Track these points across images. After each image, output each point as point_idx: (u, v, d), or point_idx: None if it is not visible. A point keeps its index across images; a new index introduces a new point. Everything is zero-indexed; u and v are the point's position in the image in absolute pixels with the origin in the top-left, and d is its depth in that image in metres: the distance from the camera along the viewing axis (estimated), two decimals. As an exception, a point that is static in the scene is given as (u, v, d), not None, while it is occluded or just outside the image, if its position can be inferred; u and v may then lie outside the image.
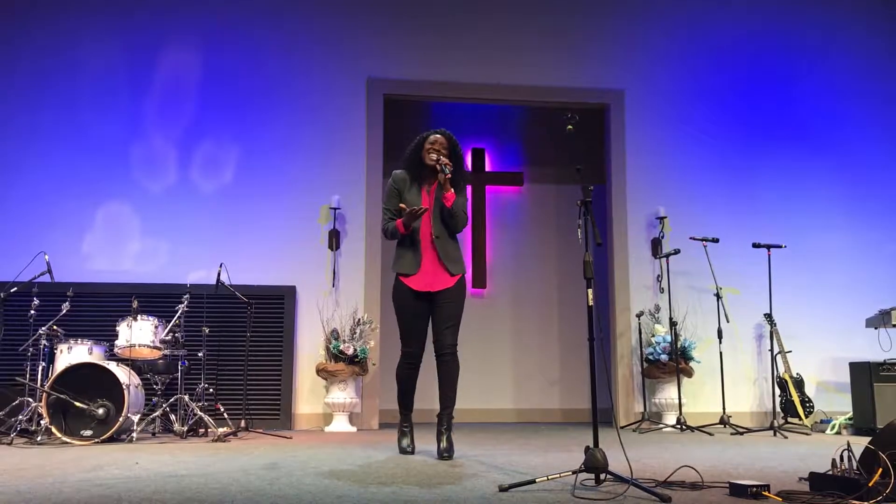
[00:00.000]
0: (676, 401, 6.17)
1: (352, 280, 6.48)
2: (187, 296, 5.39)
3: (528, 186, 8.03)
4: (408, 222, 4.06)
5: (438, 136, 4.17)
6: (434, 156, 4.10)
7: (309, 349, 6.30)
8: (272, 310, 6.30)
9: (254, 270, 6.32)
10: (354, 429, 6.02)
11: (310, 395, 6.27)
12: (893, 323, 6.10)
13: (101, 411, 4.76)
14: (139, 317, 5.19)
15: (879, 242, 7.04)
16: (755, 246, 6.29)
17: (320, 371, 6.00)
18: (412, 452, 4.14)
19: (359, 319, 6.14)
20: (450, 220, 4.16)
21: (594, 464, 2.88)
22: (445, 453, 3.95)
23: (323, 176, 6.59)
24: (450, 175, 4.06)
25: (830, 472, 2.75)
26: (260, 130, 6.62)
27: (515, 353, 7.75)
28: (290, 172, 6.59)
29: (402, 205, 4.14)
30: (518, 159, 8.10)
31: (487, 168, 8.00)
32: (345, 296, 6.42)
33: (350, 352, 5.91)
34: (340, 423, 5.97)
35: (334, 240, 6.47)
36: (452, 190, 4.10)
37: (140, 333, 5.16)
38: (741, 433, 5.70)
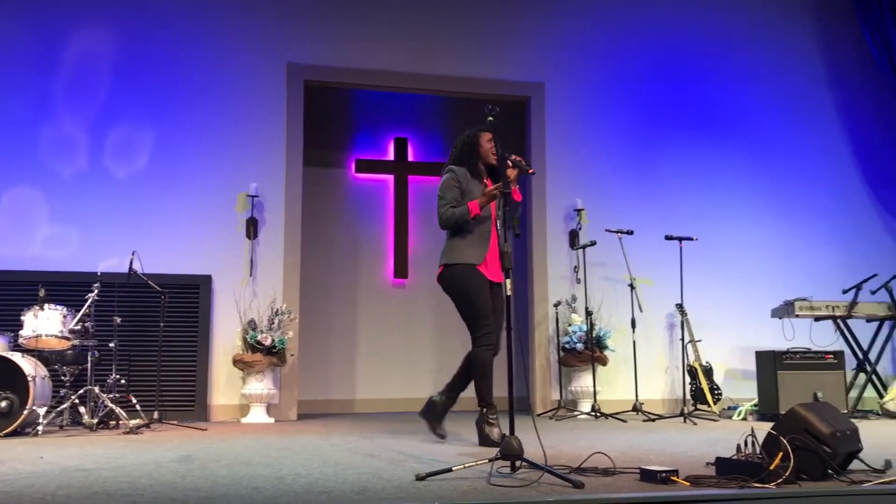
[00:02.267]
0: (592, 389, 6.31)
1: (270, 269, 6.38)
2: (98, 284, 5.21)
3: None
4: (486, 202, 4.16)
5: (488, 132, 4.36)
6: (494, 152, 4.30)
7: (225, 340, 6.18)
8: (187, 299, 6.15)
9: (168, 259, 6.16)
10: (272, 420, 5.94)
11: (226, 386, 6.16)
12: (797, 313, 6.37)
13: (3, 404, 4.58)
14: (46, 306, 5.00)
15: (785, 236, 7.33)
16: (668, 238, 6.47)
17: (237, 362, 5.90)
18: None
19: (277, 310, 6.06)
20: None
21: (510, 451, 2.92)
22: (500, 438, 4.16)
23: (241, 163, 6.47)
24: (533, 171, 4.23)
25: (735, 457, 2.86)
26: (176, 116, 6.45)
27: (437, 342, 7.77)
28: (207, 159, 6.43)
29: (486, 180, 4.31)
30: (441, 149, 8.10)
31: (410, 158, 7.99)
32: (262, 285, 6.32)
33: (268, 342, 5.83)
34: (258, 415, 5.89)
35: (252, 228, 6.36)
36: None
37: (47, 323, 4.98)
38: (653, 420, 5.86)
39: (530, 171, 4.21)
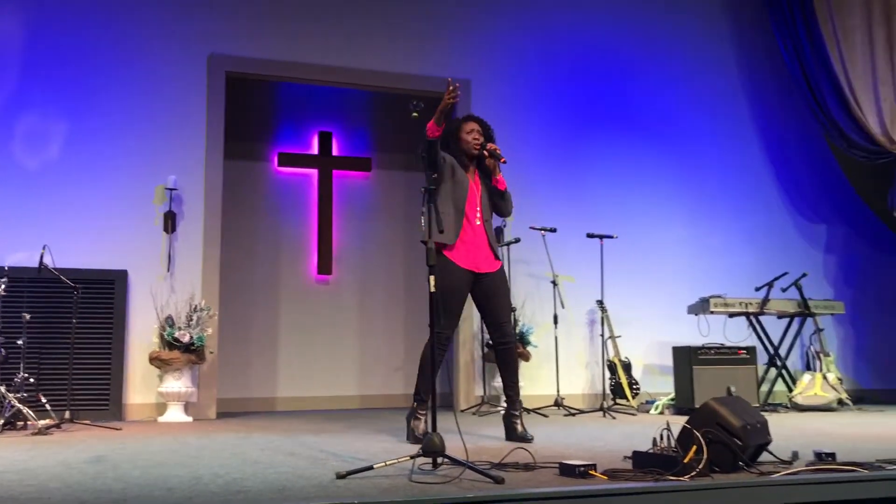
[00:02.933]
0: (514, 385, 6.36)
1: (189, 265, 6.22)
2: (5, 279, 5.00)
3: (376, 172, 8.01)
4: (439, 118, 4.01)
5: (473, 122, 4.36)
6: (477, 142, 4.28)
7: (142, 337, 6.00)
8: (101, 295, 5.95)
9: (82, 253, 5.95)
10: (190, 419, 5.81)
11: (142, 384, 5.99)
12: (712, 310, 6.57)
13: None
14: (-52, 302, 4.78)
15: (702, 235, 7.54)
16: (589, 236, 6.60)
17: (153, 359, 5.74)
18: None
19: (196, 306, 5.92)
20: (502, 203, 4.39)
21: (431, 448, 2.92)
22: (528, 435, 4.11)
23: (159, 155, 6.28)
24: (504, 160, 4.26)
25: (651, 451, 2.93)
26: (91, 106, 6.21)
27: (361, 339, 7.72)
28: (123, 150, 6.23)
29: (475, 171, 4.34)
30: (366, 145, 8.05)
31: (335, 152, 7.91)
32: (181, 281, 6.16)
33: (186, 339, 5.69)
34: (175, 414, 5.74)
35: (170, 222, 6.19)
36: (501, 174, 4.36)
37: (-51, 320, 4.75)
38: (574, 414, 5.96)
39: (502, 159, 4.24)
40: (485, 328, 6.64)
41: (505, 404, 4.30)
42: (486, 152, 4.29)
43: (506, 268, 6.72)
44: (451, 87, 3.93)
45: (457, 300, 4.13)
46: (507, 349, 4.27)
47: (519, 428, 4.15)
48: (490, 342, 6.53)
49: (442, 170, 4.18)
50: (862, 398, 7.20)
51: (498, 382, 6.48)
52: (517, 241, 6.64)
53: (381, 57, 6.94)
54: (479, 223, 4.25)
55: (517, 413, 4.21)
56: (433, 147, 4.05)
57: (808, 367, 7.05)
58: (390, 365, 7.78)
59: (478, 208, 4.27)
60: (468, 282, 4.18)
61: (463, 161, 4.31)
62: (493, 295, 4.24)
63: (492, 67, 7.24)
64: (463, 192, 4.22)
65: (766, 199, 7.81)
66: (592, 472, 2.75)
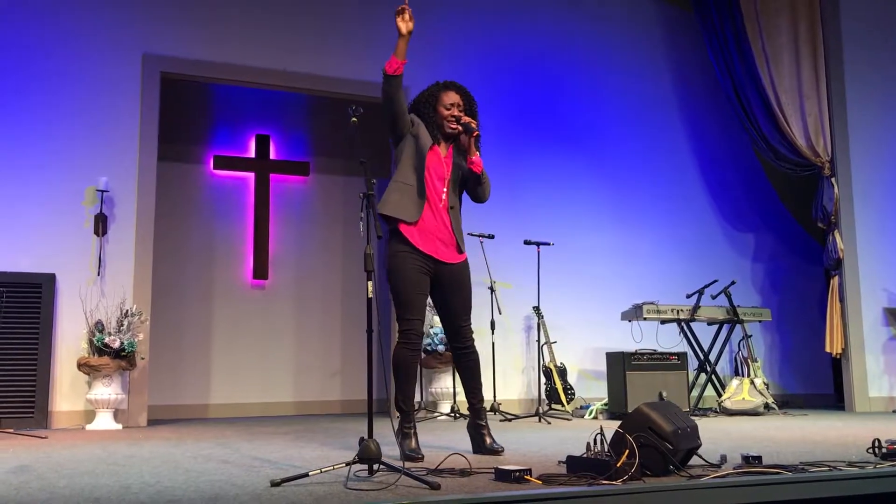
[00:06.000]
0: (451, 390, 6.39)
1: (120, 268, 6.08)
2: (-76, 282, 4.81)
3: (315, 177, 7.96)
4: (402, 48, 3.61)
5: (453, 92, 3.84)
6: (454, 117, 3.76)
7: (70, 342, 5.84)
8: (28, 299, 5.76)
9: (7, 255, 5.76)
10: (120, 426, 5.66)
11: (70, 391, 5.82)
12: (644, 316, 6.69)
13: None
14: None
15: (635, 243, 7.69)
16: (526, 243, 6.67)
17: (82, 365, 5.58)
18: (422, 458, 3.46)
19: (127, 311, 5.78)
20: (478, 188, 3.82)
21: (368, 455, 2.91)
22: (498, 446, 3.75)
23: (90, 156, 6.12)
24: (477, 133, 3.73)
25: (585, 455, 2.97)
26: (17, 105, 6.02)
27: (297, 345, 7.66)
28: (52, 151, 6.05)
29: (447, 146, 3.80)
30: (304, 149, 8.00)
31: (272, 156, 7.83)
32: (111, 285, 6.01)
33: (116, 345, 5.55)
34: (104, 421, 5.60)
35: (101, 224, 6.03)
36: (478, 153, 3.75)
37: None
38: (510, 419, 6.00)
39: (475, 133, 3.74)
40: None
41: (446, 410, 4.27)
42: (459, 126, 3.77)
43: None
44: (400, 8, 3.57)
45: (419, 288, 3.70)
46: (466, 353, 3.82)
47: (487, 439, 3.78)
48: (431, 344, 6.53)
49: (404, 129, 3.76)
50: (787, 402, 7.44)
51: (435, 388, 6.51)
52: (455, 247, 6.66)
53: (320, 61, 6.90)
54: (441, 206, 3.74)
55: (483, 423, 3.81)
56: (390, 84, 3.65)
57: (736, 373, 7.25)
58: (327, 370, 7.72)
59: (443, 190, 3.75)
60: (428, 268, 3.72)
61: (435, 134, 3.81)
62: (453, 291, 3.76)
63: (431, 73, 7.23)
64: (422, 167, 3.70)
65: (696, 208, 8.01)
66: (527, 477, 2.77)
